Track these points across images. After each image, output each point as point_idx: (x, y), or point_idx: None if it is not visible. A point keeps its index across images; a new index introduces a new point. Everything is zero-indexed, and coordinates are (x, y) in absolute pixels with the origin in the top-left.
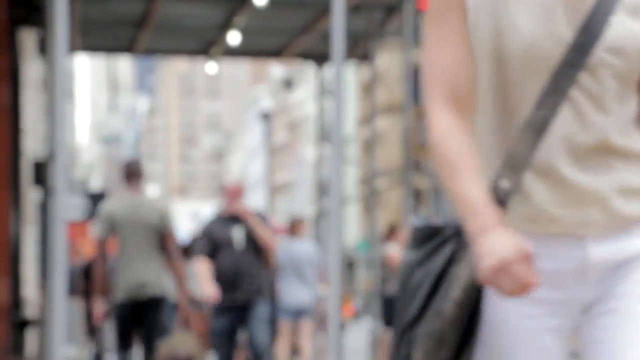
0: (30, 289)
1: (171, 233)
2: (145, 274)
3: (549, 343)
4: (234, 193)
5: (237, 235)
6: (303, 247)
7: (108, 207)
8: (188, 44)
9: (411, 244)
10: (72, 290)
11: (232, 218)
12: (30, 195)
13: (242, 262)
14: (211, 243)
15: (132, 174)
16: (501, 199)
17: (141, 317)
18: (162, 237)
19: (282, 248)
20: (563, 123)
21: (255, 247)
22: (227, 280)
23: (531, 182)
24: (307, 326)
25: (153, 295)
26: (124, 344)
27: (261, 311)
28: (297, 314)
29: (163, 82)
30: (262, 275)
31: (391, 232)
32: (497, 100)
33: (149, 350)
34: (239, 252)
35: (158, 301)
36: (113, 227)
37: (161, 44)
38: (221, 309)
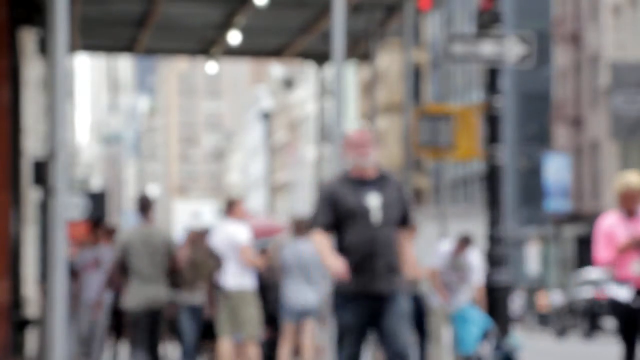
0: (30, 289)
1: (176, 255)
2: (154, 290)
3: None
4: (361, 144)
5: (373, 203)
6: (309, 248)
7: (124, 237)
8: (188, 44)
9: None
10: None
11: (364, 180)
12: (30, 195)
13: (378, 239)
14: (336, 213)
15: (145, 207)
16: None
17: (149, 325)
18: (169, 259)
19: (288, 248)
20: None
21: (393, 221)
22: (358, 261)
23: None
24: (310, 326)
25: (160, 307)
26: (139, 347)
27: (402, 305)
28: (302, 314)
29: (163, 81)
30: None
31: None
32: None
33: (153, 352)
34: (375, 226)
35: (163, 312)
36: (128, 253)
37: (161, 43)
38: (348, 297)
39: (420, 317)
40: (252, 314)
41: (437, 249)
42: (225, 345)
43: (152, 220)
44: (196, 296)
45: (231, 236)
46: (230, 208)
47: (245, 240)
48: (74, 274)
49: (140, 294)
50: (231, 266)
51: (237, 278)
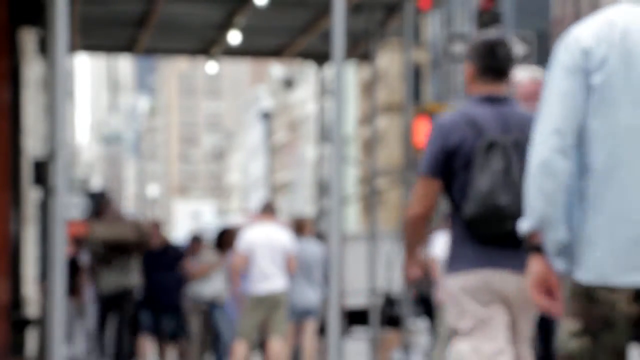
0: (30, 288)
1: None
2: (124, 277)
3: None
4: (535, 95)
5: None
6: (311, 247)
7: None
8: (188, 44)
9: None
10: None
11: None
12: (30, 195)
13: None
14: None
15: (101, 207)
16: None
17: (117, 305)
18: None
19: None
20: None
21: None
22: None
23: None
24: (310, 326)
25: (128, 290)
26: (103, 325)
27: None
28: (303, 314)
29: (163, 81)
30: None
31: None
32: None
33: (123, 329)
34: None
35: (131, 293)
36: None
37: (161, 43)
38: None
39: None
40: (285, 314)
41: (436, 238)
42: (240, 349)
43: (115, 214)
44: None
45: (280, 242)
46: (269, 211)
47: (294, 250)
48: (78, 270)
49: (110, 280)
50: (272, 269)
51: (278, 280)
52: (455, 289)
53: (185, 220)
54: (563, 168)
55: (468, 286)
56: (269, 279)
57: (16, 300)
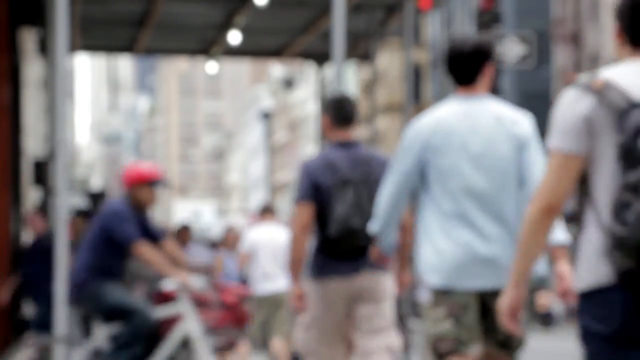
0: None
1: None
2: None
3: None
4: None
5: None
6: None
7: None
8: (188, 44)
9: None
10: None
11: None
12: (31, 194)
13: None
14: None
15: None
16: None
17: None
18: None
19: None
20: None
21: None
22: None
23: None
24: None
25: None
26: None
27: None
28: None
29: (163, 81)
30: None
31: None
32: None
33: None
34: None
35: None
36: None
37: (161, 43)
38: None
39: None
40: (287, 314)
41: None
42: (243, 349)
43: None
44: None
45: (283, 242)
46: (269, 212)
47: None
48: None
49: None
50: (275, 269)
51: (280, 280)
52: (308, 291)
53: (185, 220)
54: (397, 203)
55: (317, 289)
56: (271, 279)
57: (16, 300)
